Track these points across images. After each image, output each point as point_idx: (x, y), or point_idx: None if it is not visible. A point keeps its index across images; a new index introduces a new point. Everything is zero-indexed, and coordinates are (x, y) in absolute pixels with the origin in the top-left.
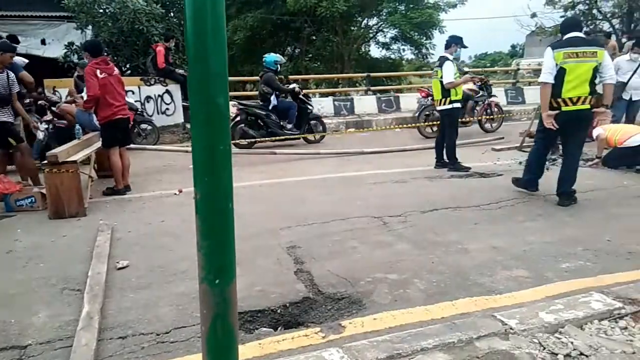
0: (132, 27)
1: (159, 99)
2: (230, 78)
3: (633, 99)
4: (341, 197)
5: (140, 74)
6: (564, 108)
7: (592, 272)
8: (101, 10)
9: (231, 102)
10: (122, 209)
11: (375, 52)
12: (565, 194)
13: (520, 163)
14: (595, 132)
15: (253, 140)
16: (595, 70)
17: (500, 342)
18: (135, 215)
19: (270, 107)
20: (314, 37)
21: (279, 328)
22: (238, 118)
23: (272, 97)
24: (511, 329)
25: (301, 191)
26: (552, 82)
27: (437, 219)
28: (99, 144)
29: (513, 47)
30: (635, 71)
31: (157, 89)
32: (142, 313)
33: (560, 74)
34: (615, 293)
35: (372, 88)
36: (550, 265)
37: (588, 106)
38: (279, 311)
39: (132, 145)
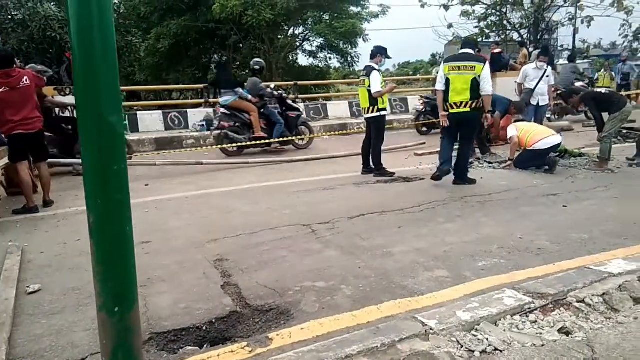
0: (43, 34)
1: (75, 110)
2: (156, 87)
3: (540, 104)
4: (269, 207)
5: (55, 83)
6: (450, 111)
7: (506, 269)
8: (9, 17)
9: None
10: (34, 229)
11: (303, 60)
12: (459, 177)
13: None
14: (509, 133)
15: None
16: (475, 81)
17: (421, 343)
18: (48, 235)
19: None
20: (240, 45)
21: (205, 345)
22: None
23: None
24: (431, 329)
25: (229, 202)
26: (443, 89)
27: (363, 224)
28: (6, 160)
29: (433, 55)
30: (541, 78)
31: (73, 99)
32: (56, 340)
33: (447, 83)
34: (525, 289)
35: (301, 96)
36: (468, 264)
37: (469, 109)
38: (204, 328)
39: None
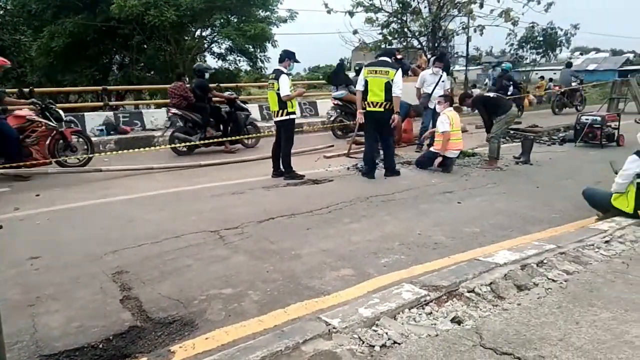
0: None
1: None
2: (50, 89)
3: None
4: (175, 214)
5: None
6: (368, 109)
7: (406, 265)
8: None
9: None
10: None
11: (212, 62)
12: (389, 170)
13: (348, 169)
14: (442, 127)
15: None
16: (388, 85)
17: (324, 343)
18: None
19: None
20: (144, 46)
21: None
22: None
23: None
24: (334, 328)
25: (131, 210)
26: (362, 89)
27: (272, 228)
28: None
29: (342, 60)
30: (437, 83)
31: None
32: None
33: (366, 84)
34: (422, 282)
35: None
36: (372, 261)
37: (382, 110)
38: (101, 346)
39: None
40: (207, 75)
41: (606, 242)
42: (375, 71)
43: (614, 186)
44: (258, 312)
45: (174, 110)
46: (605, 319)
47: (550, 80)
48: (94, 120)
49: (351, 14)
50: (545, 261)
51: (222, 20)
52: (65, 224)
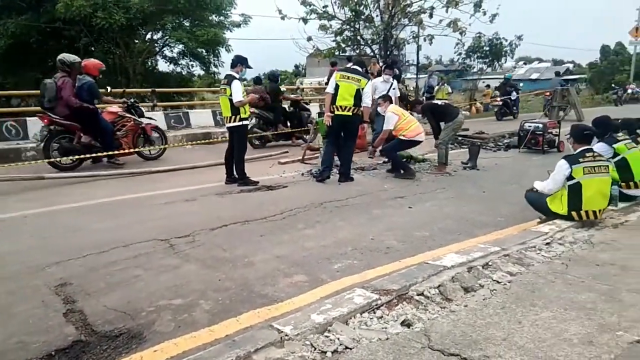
0: None
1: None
2: None
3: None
4: (124, 222)
5: None
6: (336, 112)
7: (358, 269)
8: None
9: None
10: None
11: (163, 66)
12: (344, 175)
13: (302, 175)
14: (389, 122)
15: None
16: (358, 92)
17: (276, 351)
18: None
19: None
20: (92, 49)
21: None
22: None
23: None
24: (286, 335)
25: (77, 219)
26: (333, 92)
27: (225, 235)
28: None
29: (296, 66)
30: (388, 91)
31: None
32: None
33: (337, 88)
34: (373, 286)
35: (160, 104)
36: (325, 267)
37: (350, 114)
38: None
39: None
40: (279, 80)
41: (547, 244)
42: (348, 77)
43: (546, 191)
44: (209, 322)
45: (252, 109)
46: (546, 318)
47: (496, 88)
48: (36, 126)
49: (305, 20)
50: (490, 263)
51: (173, 24)
52: (3, 235)
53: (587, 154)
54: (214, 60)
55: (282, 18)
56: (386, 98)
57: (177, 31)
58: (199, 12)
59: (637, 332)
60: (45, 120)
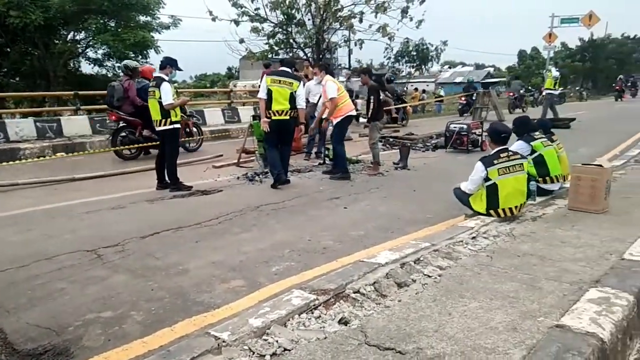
0: None
1: None
2: None
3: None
4: (46, 233)
5: None
6: (273, 117)
7: (296, 271)
8: None
9: None
10: None
11: (87, 68)
12: (280, 179)
13: (238, 178)
14: (330, 93)
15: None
16: (292, 95)
17: (213, 358)
18: None
19: None
20: (8, 49)
21: None
22: None
23: None
24: (224, 341)
25: None
26: (266, 98)
27: (157, 243)
28: None
29: (229, 69)
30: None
31: None
32: None
33: (269, 93)
34: (311, 287)
35: (84, 107)
36: (263, 270)
37: (288, 117)
38: None
39: None
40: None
41: (473, 238)
42: (279, 81)
43: (467, 191)
44: (142, 334)
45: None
46: (474, 308)
47: (424, 91)
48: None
49: (237, 22)
50: (421, 258)
51: (98, 25)
52: None
53: (502, 154)
54: (142, 62)
55: (213, 20)
56: (322, 67)
57: (102, 34)
58: (125, 13)
59: (556, 317)
60: (113, 117)
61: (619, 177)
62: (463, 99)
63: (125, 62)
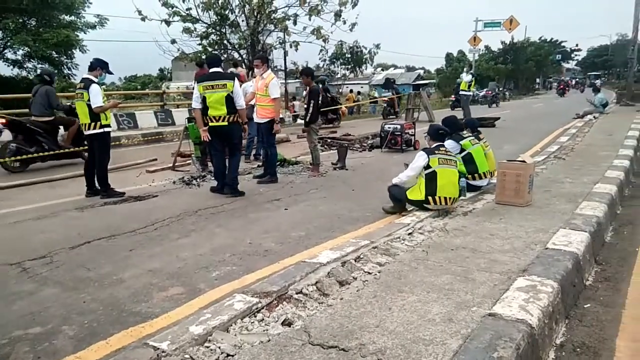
0: None
1: None
2: None
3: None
4: None
5: None
6: (210, 124)
7: (238, 275)
8: None
9: None
10: None
11: (5, 70)
12: (230, 186)
13: (174, 182)
14: (274, 92)
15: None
16: (229, 97)
17: None
18: None
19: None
20: None
21: None
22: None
23: None
24: (163, 352)
25: None
26: (200, 107)
27: (89, 253)
28: None
29: (161, 70)
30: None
31: None
32: None
33: (204, 100)
34: (253, 290)
35: (3, 112)
36: (203, 276)
37: (226, 123)
38: None
39: None
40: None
41: (409, 234)
42: (212, 86)
43: (404, 179)
44: (75, 349)
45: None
46: (412, 302)
47: (359, 93)
48: None
49: (167, 22)
50: (361, 256)
51: (16, 24)
52: None
53: (441, 149)
54: (67, 62)
55: (143, 19)
56: (263, 60)
57: (21, 33)
58: (46, 12)
59: (488, 306)
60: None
61: (540, 172)
62: (385, 100)
63: (231, 68)
